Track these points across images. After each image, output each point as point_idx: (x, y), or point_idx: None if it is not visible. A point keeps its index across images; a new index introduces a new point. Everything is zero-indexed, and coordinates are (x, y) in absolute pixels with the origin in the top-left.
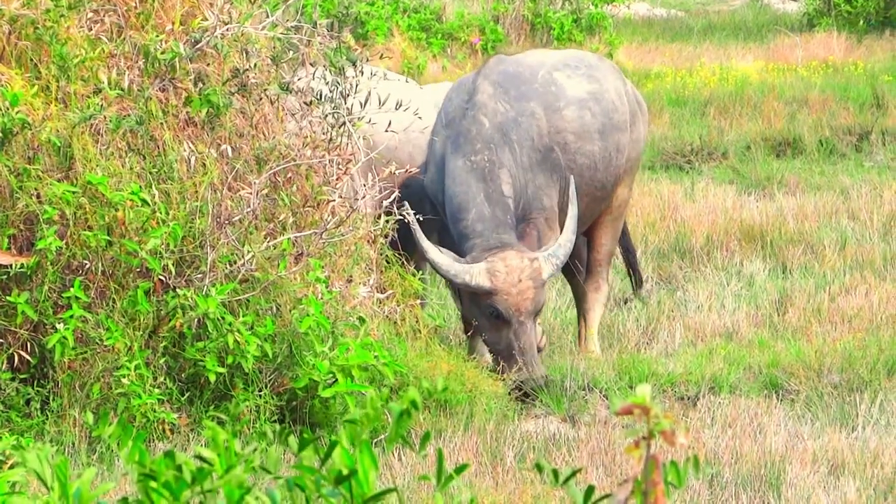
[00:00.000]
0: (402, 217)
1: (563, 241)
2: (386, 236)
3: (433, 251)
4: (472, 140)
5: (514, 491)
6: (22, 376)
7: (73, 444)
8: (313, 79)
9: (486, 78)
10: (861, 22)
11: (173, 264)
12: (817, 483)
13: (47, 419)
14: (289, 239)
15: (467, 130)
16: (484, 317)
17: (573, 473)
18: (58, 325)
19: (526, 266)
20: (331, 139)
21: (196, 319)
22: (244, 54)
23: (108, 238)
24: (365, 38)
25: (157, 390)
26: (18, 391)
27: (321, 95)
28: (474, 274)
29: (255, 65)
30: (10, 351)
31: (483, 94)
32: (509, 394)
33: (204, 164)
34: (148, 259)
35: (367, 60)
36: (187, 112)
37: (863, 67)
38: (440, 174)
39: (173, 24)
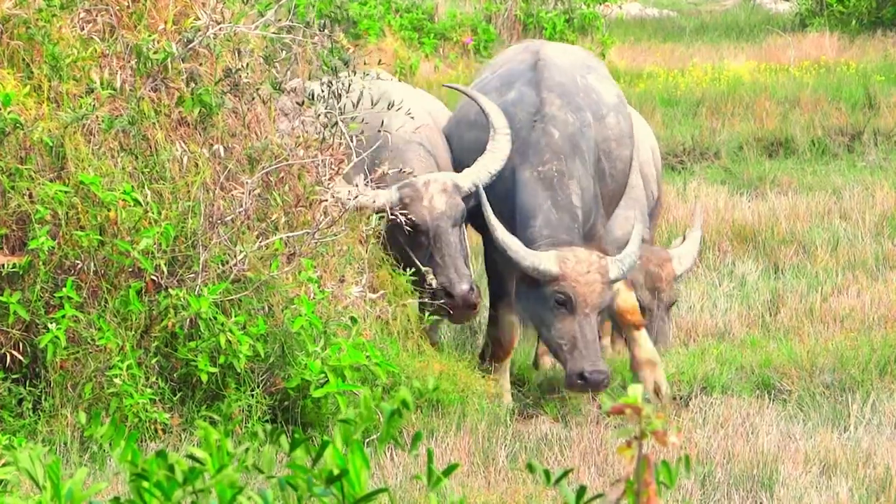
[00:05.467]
0: (394, 217)
1: (630, 251)
2: (378, 236)
3: (503, 233)
4: (541, 151)
5: (507, 491)
6: (14, 376)
7: (65, 443)
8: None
9: (551, 90)
10: (853, 22)
11: (165, 264)
12: (809, 483)
13: (39, 419)
14: (281, 239)
15: (536, 142)
16: (548, 308)
17: (565, 473)
18: (50, 325)
19: (595, 261)
20: (323, 139)
21: (188, 319)
22: (237, 54)
23: (100, 238)
24: (357, 37)
25: (149, 390)
26: (10, 391)
27: (314, 95)
28: (543, 259)
29: (248, 64)
30: (3, 351)
31: (551, 105)
32: (569, 386)
33: (196, 164)
34: (140, 259)
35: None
36: (179, 112)
37: (855, 67)
38: (505, 185)
39: (166, 23)
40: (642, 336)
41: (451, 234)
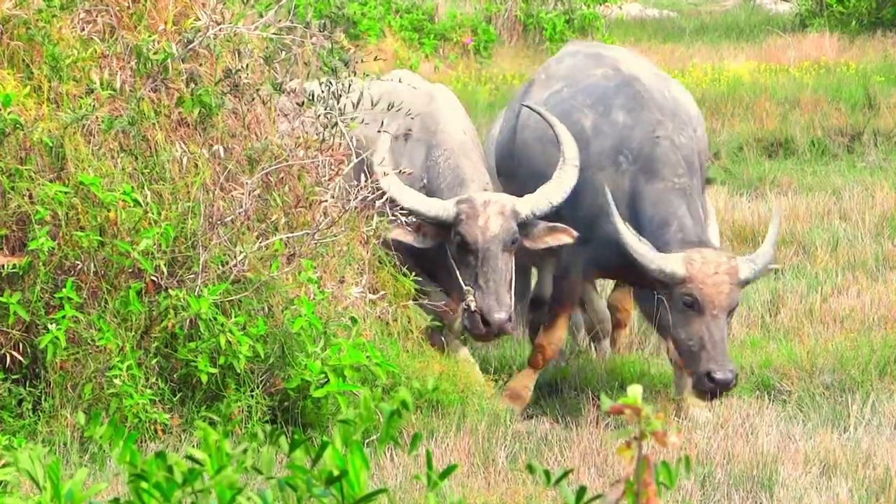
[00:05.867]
0: (394, 218)
1: (764, 251)
2: (378, 237)
3: (628, 234)
4: (674, 166)
5: (506, 491)
6: (14, 376)
7: (65, 444)
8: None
9: (661, 110)
10: (853, 22)
11: (165, 265)
12: (809, 484)
13: (39, 419)
14: (281, 239)
15: (666, 158)
16: (676, 309)
17: (565, 474)
18: (50, 326)
19: (724, 262)
20: (323, 140)
21: (188, 320)
22: (236, 54)
23: (100, 238)
24: (357, 38)
25: (148, 391)
26: (10, 391)
27: (314, 96)
28: (670, 261)
29: (248, 65)
30: (3, 351)
31: (667, 125)
32: (698, 387)
33: (196, 165)
34: (140, 259)
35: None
36: (179, 112)
37: (855, 68)
38: (629, 208)
39: (165, 24)
40: None
41: (500, 259)
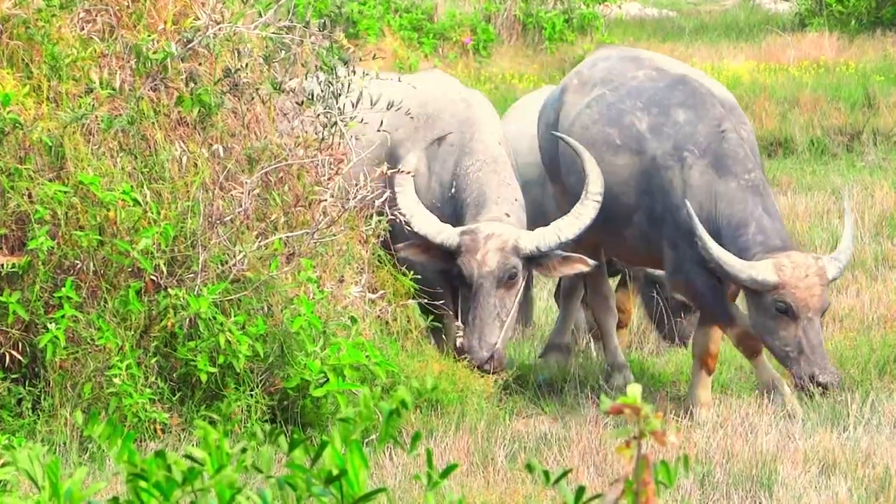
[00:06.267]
0: (394, 217)
1: (844, 248)
2: (378, 236)
3: (717, 248)
4: (743, 161)
5: (506, 491)
6: (13, 376)
7: (65, 443)
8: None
9: (723, 105)
10: (853, 22)
11: (165, 264)
12: (809, 483)
13: (38, 419)
14: (280, 239)
15: (735, 153)
16: (769, 317)
17: (564, 473)
18: (49, 325)
19: (812, 263)
20: (322, 139)
21: (187, 319)
22: (236, 54)
23: (99, 238)
24: (356, 37)
25: (148, 390)
26: (10, 391)
27: (313, 95)
28: (760, 269)
29: (247, 64)
30: (2, 350)
31: (730, 118)
32: (799, 387)
33: (195, 164)
34: (139, 259)
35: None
36: (179, 112)
37: (854, 67)
38: (704, 204)
39: (165, 23)
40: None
41: (492, 295)
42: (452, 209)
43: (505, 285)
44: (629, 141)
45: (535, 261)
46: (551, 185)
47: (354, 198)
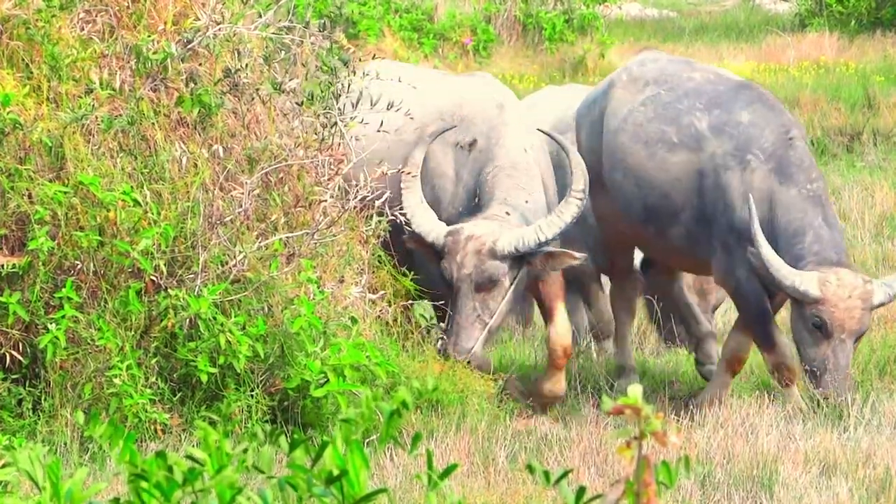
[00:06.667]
0: (394, 218)
1: None
2: (378, 237)
3: (768, 250)
4: (807, 170)
5: (506, 491)
6: (14, 376)
7: (65, 444)
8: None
9: (788, 112)
10: (853, 22)
11: (165, 264)
12: (809, 483)
13: (39, 419)
14: (280, 239)
15: (799, 160)
16: (805, 328)
17: (565, 474)
18: (49, 326)
19: (859, 285)
20: (322, 139)
21: (188, 320)
22: (236, 54)
23: (99, 238)
24: (356, 37)
25: (148, 390)
26: (10, 391)
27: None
28: (805, 280)
29: (247, 65)
30: (2, 351)
31: (797, 126)
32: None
33: (195, 165)
34: (139, 259)
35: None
36: (179, 112)
37: (854, 68)
38: (763, 209)
39: (165, 24)
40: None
41: (470, 298)
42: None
43: (485, 288)
44: (687, 139)
45: (524, 259)
46: (594, 189)
47: (354, 198)
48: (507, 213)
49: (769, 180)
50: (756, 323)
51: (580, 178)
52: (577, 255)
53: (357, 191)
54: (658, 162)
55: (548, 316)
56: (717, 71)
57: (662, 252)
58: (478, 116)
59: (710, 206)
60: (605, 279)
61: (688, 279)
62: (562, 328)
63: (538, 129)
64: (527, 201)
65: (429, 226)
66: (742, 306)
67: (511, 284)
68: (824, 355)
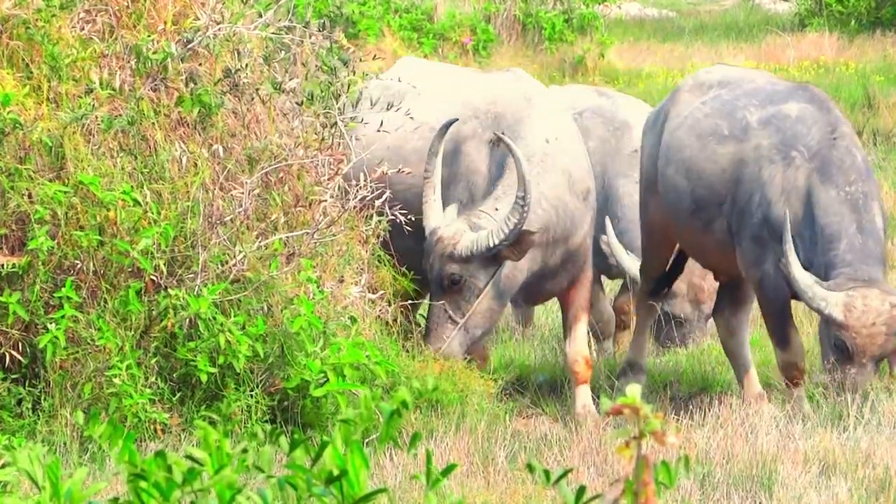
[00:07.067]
0: (394, 217)
1: None
2: (378, 236)
3: (798, 269)
4: (847, 171)
5: (506, 491)
6: (13, 376)
7: (65, 443)
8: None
9: (838, 111)
10: (852, 22)
11: (165, 264)
12: (809, 483)
13: (39, 419)
14: (280, 239)
15: (840, 161)
16: (828, 343)
17: (564, 473)
18: (49, 325)
19: (885, 310)
20: (322, 139)
21: (187, 319)
22: (236, 54)
23: (99, 238)
24: (356, 37)
25: (148, 390)
26: (10, 391)
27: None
28: (831, 303)
29: (247, 65)
30: (2, 351)
31: (846, 125)
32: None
33: (195, 164)
34: (139, 259)
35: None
36: (179, 112)
37: (854, 67)
38: (801, 205)
39: (165, 23)
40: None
41: (439, 299)
42: None
43: (452, 290)
44: (736, 131)
45: (495, 258)
46: (648, 194)
47: (355, 197)
48: (497, 209)
49: (811, 179)
50: (774, 318)
51: (523, 186)
52: (533, 229)
53: (357, 191)
54: (708, 153)
55: (569, 327)
56: (782, 79)
57: (706, 250)
58: (507, 111)
59: (745, 195)
60: (604, 280)
61: (682, 288)
62: (580, 343)
63: (495, 134)
64: (521, 198)
65: (431, 220)
66: (763, 300)
67: (486, 284)
68: (843, 373)
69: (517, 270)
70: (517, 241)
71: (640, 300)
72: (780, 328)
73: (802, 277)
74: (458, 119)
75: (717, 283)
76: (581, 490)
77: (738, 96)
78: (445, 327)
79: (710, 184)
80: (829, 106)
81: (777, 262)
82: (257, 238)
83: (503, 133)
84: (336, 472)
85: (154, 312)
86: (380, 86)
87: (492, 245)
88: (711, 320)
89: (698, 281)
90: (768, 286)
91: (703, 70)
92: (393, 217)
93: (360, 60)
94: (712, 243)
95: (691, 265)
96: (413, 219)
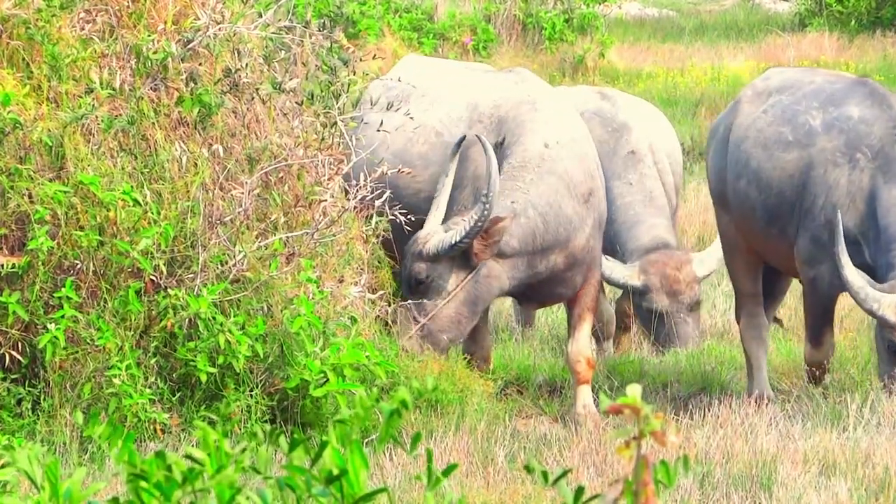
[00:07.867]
0: (394, 217)
1: None
2: (378, 236)
3: (850, 272)
4: None
5: (505, 491)
6: (13, 376)
7: (65, 443)
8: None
9: None
10: (852, 22)
11: (165, 264)
12: (808, 483)
13: (38, 419)
14: (280, 239)
15: None
16: (883, 344)
17: (564, 473)
18: (49, 325)
19: None
20: (322, 139)
21: (187, 319)
22: (236, 54)
23: (99, 238)
24: (356, 37)
25: (148, 390)
26: (9, 391)
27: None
28: (883, 305)
29: (247, 64)
30: (2, 351)
31: None
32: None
33: (195, 164)
34: (139, 259)
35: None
36: (179, 112)
37: (854, 67)
38: (863, 201)
39: (165, 23)
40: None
41: (407, 299)
42: None
43: (418, 289)
44: (800, 137)
45: (467, 261)
46: (720, 210)
47: (355, 198)
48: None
49: (875, 179)
50: (815, 318)
51: (494, 183)
52: (503, 215)
53: (357, 191)
54: (775, 162)
55: (573, 326)
56: (839, 73)
57: (787, 257)
58: (510, 115)
59: (810, 198)
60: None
61: (654, 281)
62: (582, 343)
63: (476, 136)
64: (513, 202)
65: (431, 220)
66: (811, 298)
67: (455, 287)
68: (893, 373)
69: (494, 278)
70: (486, 237)
71: (745, 332)
72: (819, 327)
73: (855, 279)
74: (467, 135)
75: (694, 273)
76: (580, 490)
77: (798, 100)
78: (406, 328)
79: (780, 191)
80: (890, 102)
81: (832, 268)
82: (257, 238)
83: (503, 138)
84: (336, 473)
85: (154, 312)
86: (383, 86)
87: (454, 242)
88: (706, 318)
89: (672, 272)
90: (821, 286)
91: (760, 78)
92: (393, 217)
93: (360, 60)
94: (791, 249)
95: (663, 255)
96: (413, 219)
